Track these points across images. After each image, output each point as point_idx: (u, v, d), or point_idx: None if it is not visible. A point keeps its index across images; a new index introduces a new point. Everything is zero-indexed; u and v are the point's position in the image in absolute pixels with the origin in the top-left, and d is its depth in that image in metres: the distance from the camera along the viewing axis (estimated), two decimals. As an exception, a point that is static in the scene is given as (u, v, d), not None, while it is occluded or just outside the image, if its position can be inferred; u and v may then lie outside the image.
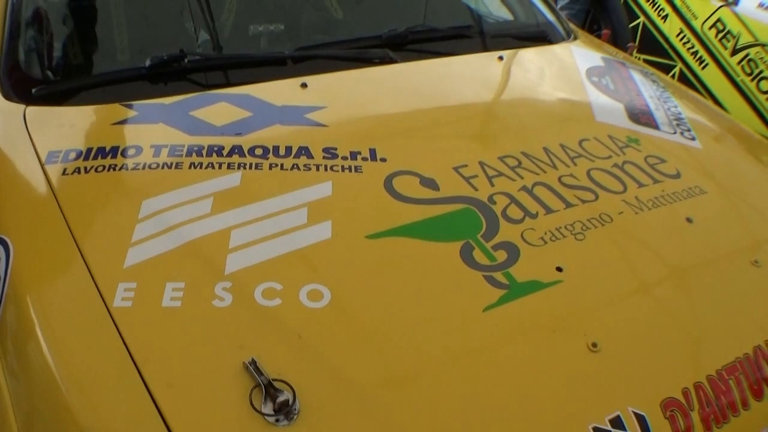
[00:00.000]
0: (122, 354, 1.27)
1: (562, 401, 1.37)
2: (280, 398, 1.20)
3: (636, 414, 1.36)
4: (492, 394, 1.34)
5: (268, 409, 1.19)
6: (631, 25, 5.65)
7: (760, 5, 4.81)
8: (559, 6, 5.83)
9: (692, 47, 5.24)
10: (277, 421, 1.18)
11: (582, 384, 1.41)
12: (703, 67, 5.19)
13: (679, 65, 5.34)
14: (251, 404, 1.20)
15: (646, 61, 5.54)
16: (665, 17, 5.40)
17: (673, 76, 5.38)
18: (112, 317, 1.33)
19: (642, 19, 5.58)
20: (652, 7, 5.49)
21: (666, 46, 5.42)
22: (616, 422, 1.34)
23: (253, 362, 1.26)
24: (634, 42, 5.83)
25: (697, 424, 1.42)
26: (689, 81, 5.25)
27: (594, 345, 1.44)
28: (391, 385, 1.32)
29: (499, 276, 1.52)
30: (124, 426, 1.20)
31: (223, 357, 1.29)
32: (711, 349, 1.57)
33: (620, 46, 5.62)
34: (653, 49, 5.50)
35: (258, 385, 1.22)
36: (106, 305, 1.35)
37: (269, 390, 1.21)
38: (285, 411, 1.19)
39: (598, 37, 5.87)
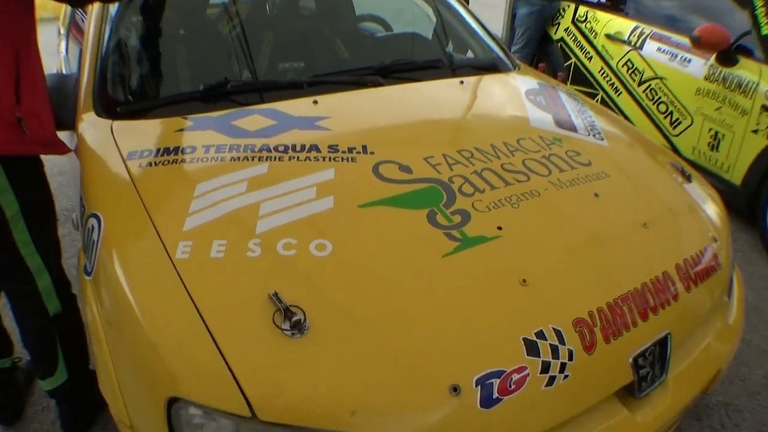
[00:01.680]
0: (182, 292, 1.34)
1: (500, 320, 1.43)
2: (295, 318, 1.27)
3: (554, 329, 1.42)
4: (449, 315, 1.40)
5: (286, 326, 1.27)
6: (566, 64, 5.68)
7: (658, 49, 4.85)
8: (513, 50, 5.86)
9: (610, 80, 5.25)
10: (292, 334, 1.25)
11: (515, 309, 1.46)
12: (618, 95, 5.20)
13: (601, 93, 5.35)
14: (273, 322, 1.27)
15: (577, 90, 5.60)
16: (590, 58, 5.42)
17: (596, 101, 5.37)
18: (174, 266, 1.40)
19: (573, 60, 5.59)
20: (581, 51, 5.50)
21: (591, 79, 5.43)
22: (540, 335, 1.40)
23: (275, 294, 1.32)
24: (564, 73, 5.90)
25: (599, 337, 1.48)
26: (608, 105, 5.26)
27: (524, 281, 1.51)
28: (376, 309, 1.38)
29: (455, 233, 1.59)
30: (183, 340, 1.28)
31: (254, 291, 1.35)
32: (611, 285, 1.62)
33: (553, 76, 5.69)
34: (582, 82, 5.51)
35: (279, 310, 1.29)
36: (170, 258, 1.42)
37: (287, 313, 1.28)
38: (298, 327, 1.26)
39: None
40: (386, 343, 1.31)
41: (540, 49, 5.95)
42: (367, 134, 1.97)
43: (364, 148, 1.86)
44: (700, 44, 4.40)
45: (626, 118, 5.15)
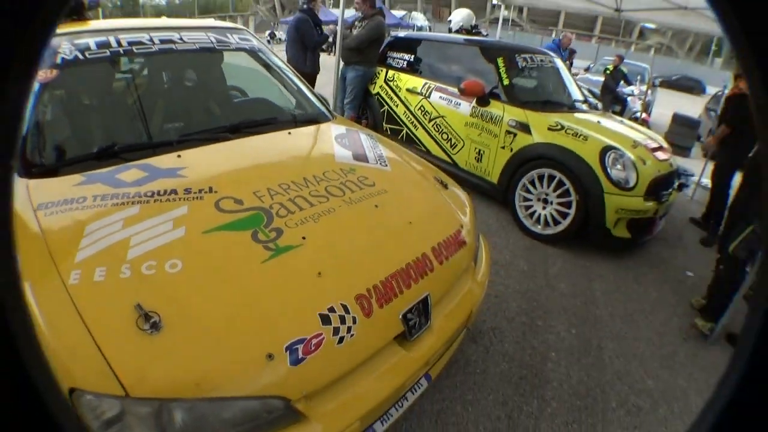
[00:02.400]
0: (73, 309, 1.28)
1: (302, 303, 1.44)
2: (152, 320, 1.25)
3: (342, 304, 1.46)
4: (265, 304, 1.41)
5: (146, 327, 1.23)
6: (381, 110, 5.77)
7: (440, 97, 5.05)
8: (345, 102, 5.89)
9: (411, 120, 5.38)
10: (151, 332, 1.23)
11: (313, 294, 1.48)
12: (417, 130, 5.33)
13: (405, 129, 5.47)
14: (137, 325, 1.24)
15: (390, 127, 5.71)
16: (397, 105, 5.53)
17: (402, 136, 5.55)
18: (67, 290, 1.33)
19: (386, 107, 5.69)
20: (391, 101, 5.61)
21: (398, 120, 5.52)
22: (331, 309, 1.43)
23: (139, 304, 1.28)
24: (367, 120, 6.06)
25: (375, 305, 1.53)
26: (411, 137, 5.43)
27: (319, 273, 1.53)
28: (213, 306, 1.36)
29: (271, 245, 1.58)
30: (74, 345, 1.22)
31: (124, 303, 1.30)
32: (383, 268, 1.66)
33: (363, 121, 5.75)
34: (393, 122, 5.61)
35: (141, 316, 1.25)
36: (64, 284, 1.35)
37: (147, 317, 1.25)
38: (155, 326, 1.24)
39: (358, 120, 5.96)
40: (220, 330, 1.31)
41: (364, 101, 6.00)
42: (213, 178, 1.90)
43: (210, 188, 1.80)
44: (465, 93, 4.63)
45: (423, 145, 5.32)
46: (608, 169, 3.90)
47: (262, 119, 2.56)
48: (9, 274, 0.27)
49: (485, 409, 2.34)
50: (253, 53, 3.06)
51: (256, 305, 1.39)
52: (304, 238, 1.64)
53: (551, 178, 4.17)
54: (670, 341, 3.25)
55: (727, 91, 5.50)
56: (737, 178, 4.53)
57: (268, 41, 27.45)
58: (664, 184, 4.18)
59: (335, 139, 2.52)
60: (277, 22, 40.04)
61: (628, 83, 10.98)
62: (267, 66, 3.09)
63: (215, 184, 1.84)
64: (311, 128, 2.64)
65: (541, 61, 5.25)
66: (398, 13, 34.94)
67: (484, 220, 4.59)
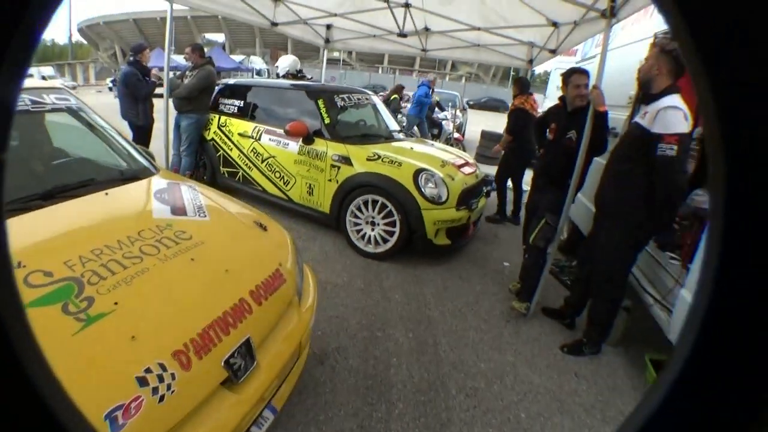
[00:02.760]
0: None
1: (119, 368, 1.35)
2: None
3: (159, 363, 1.39)
4: (79, 378, 1.28)
5: None
6: (217, 155, 5.66)
7: (270, 139, 5.10)
8: (182, 149, 5.65)
9: (245, 162, 5.32)
10: None
11: (129, 357, 1.39)
12: (251, 171, 5.29)
13: (241, 171, 5.40)
14: None
15: (227, 171, 5.61)
16: (231, 149, 5.46)
17: (239, 178, 5.50)
18: None
19: (222, 151, 5.56)
20: (225, 145, 5.53)
21: (234, 162, 5.44)
22: (148, 370, 1.36)
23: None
24: (207, 165, 5.92)
25: (194, 357, 1.47)
26: (247, 179, 5.40)
27: (133, 337, 1.44)
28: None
29: (82, 315, 1.44)
30: None
31: None
32: (199, 320, 1.61)
33: (187, 173, 5.59)
34: (229, 165, 5.52)
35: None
36: None
37: None
38: None
39: (196, 165, 5.80)
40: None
41: (200, 147, 5.83)
42: (22, 252, 1.67)
43: (19, 263, 1.58)
44: (290, 134, 4.69)
45: (259, 185, 5.29)
46: (422, 189, 4.19)
47: (78, 182, 2.30)
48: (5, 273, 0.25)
49: (338, 425, 2.37)
50: (72, 112, 2.78)
51: (70, 380, 1.25)
52: (116, 303, 1.52)
53: (375, 202, 4.38)
54: (495, 325, 3.55)
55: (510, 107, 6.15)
56: (527, 179, 5.09)
57: (110, 89, 25.41)
58: (472, 193, 4.59)
59: (154, 195, 2.37)
60: (118, 69, 37.23)
61: (442, 109, 11.88)
62: (89, 124, 2.85)
63: (23, 258, 1.63)
64: (131, 186, 2.45)
65: (359, 99, 5.49)
66: (237, 57, 34.35)
67: (321, 248, 4.67)
